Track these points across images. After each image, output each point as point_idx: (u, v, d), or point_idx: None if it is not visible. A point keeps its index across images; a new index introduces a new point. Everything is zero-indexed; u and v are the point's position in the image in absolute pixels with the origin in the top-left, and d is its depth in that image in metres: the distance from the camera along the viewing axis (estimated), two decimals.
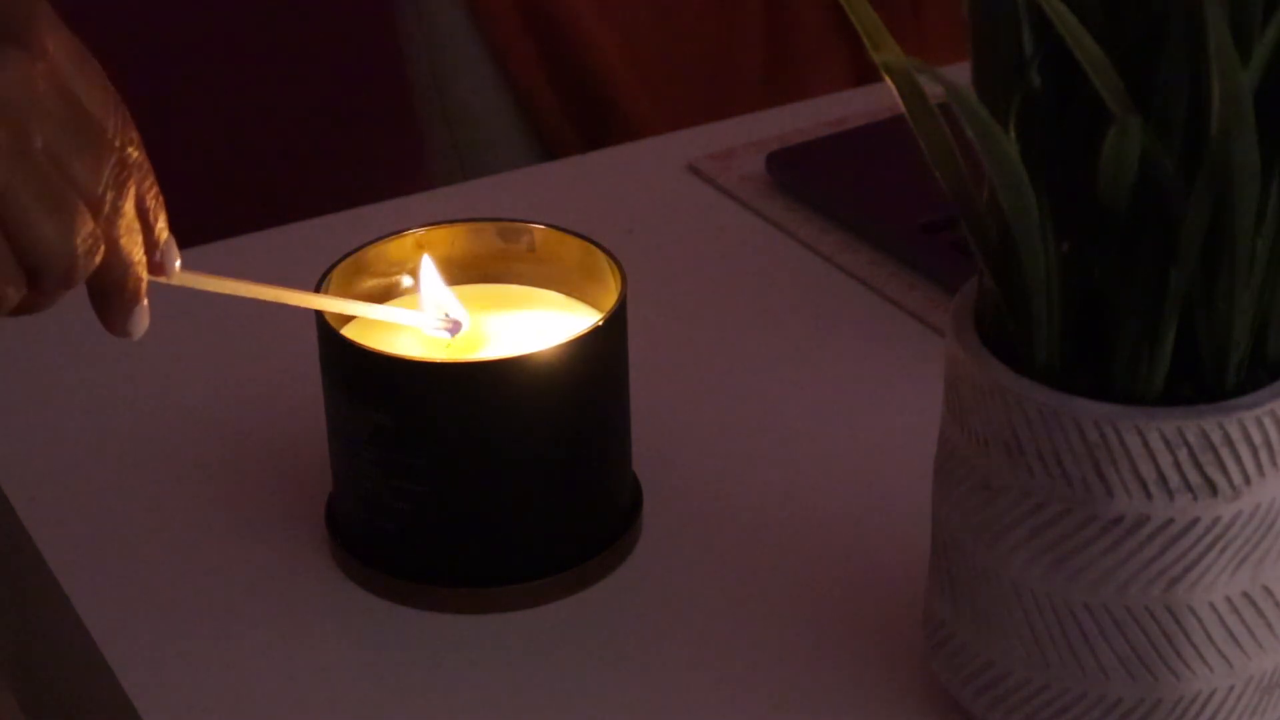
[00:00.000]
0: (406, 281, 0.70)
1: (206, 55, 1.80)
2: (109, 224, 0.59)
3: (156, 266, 0.63)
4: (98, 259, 0.59)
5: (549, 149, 1.24)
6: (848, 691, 0.63)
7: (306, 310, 0.67)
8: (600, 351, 0.66)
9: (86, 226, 0.58)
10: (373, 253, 0.70)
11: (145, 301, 0.62)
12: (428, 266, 0.69)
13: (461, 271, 0.71)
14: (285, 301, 0.66)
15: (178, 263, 0.64)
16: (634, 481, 0.71)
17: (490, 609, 0.67)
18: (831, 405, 0.77)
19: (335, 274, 0.68)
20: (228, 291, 0.66)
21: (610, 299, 0.67)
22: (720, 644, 0.65)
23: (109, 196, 0.59)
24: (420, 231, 0.70)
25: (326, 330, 0.66)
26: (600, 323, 0.65)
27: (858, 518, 0.71)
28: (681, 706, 0.63)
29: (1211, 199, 0.52)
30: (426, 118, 1.28)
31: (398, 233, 0.70)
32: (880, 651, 0.65)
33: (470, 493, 0.66)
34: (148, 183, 0.61)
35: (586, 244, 0.70)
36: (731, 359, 0.80)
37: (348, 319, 0.69)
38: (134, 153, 0.60)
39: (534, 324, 0.70)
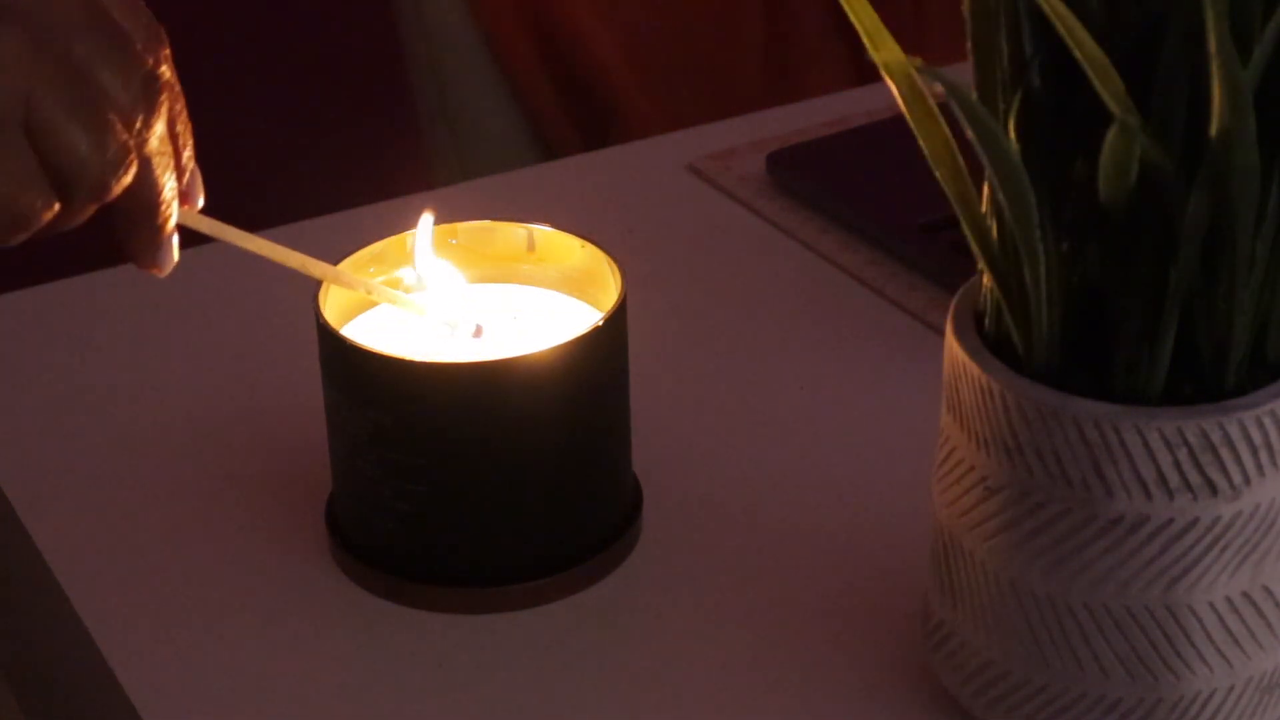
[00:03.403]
0: (407, 280, 0.70)
1: (206, 55, 1.80)
2: (139, 140, 0.58)
3: (182, 196, 0.62)
4: (128, 175, 0.58)
5: (549, 149, 1.24)
6: (847, 691, 0.63)
7: (307, 310, 0.67)
8: (600, 351, 0.66)
9: (117, 138, 0.57)
10: (373, 252, 0.70)
11: (175, 236, 0.61)
12: (439, 267, 0.69)
13: (461, 272, 0.71)
14: (305, 269, 0.66)
15: (201, 198, 0.63)
16: (634, 481, 0.71)
17: (490, 609, 0.67)
18: (831, 405, 0.77)
19: None
20: (246, 245, 0.65)
21: (610, 299, 0.67)
22: (719, 644, 0.65)
23: (140, 110, 0.57)
24: None
25: (326, 330, 0.66)
26: (600, 323, 0.65)
27: (857, 517, 0.71)
28: (681, 706, 0.63)
29: (1211, 199, 0.52)
30: (426, 118, 1.28)
31: (398, 233, 0.70)
32: (880, 651, 0.65)
33: (470, 493, 0.66)
34: (178, 106, 0.60)
35: (586, 244, 0.70)
36: (731, 359, 0.80)
37: (348, 319, 0.69)
38: (166, 71, 0.59)
39: (534, 324, 0.70)
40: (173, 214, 0.61)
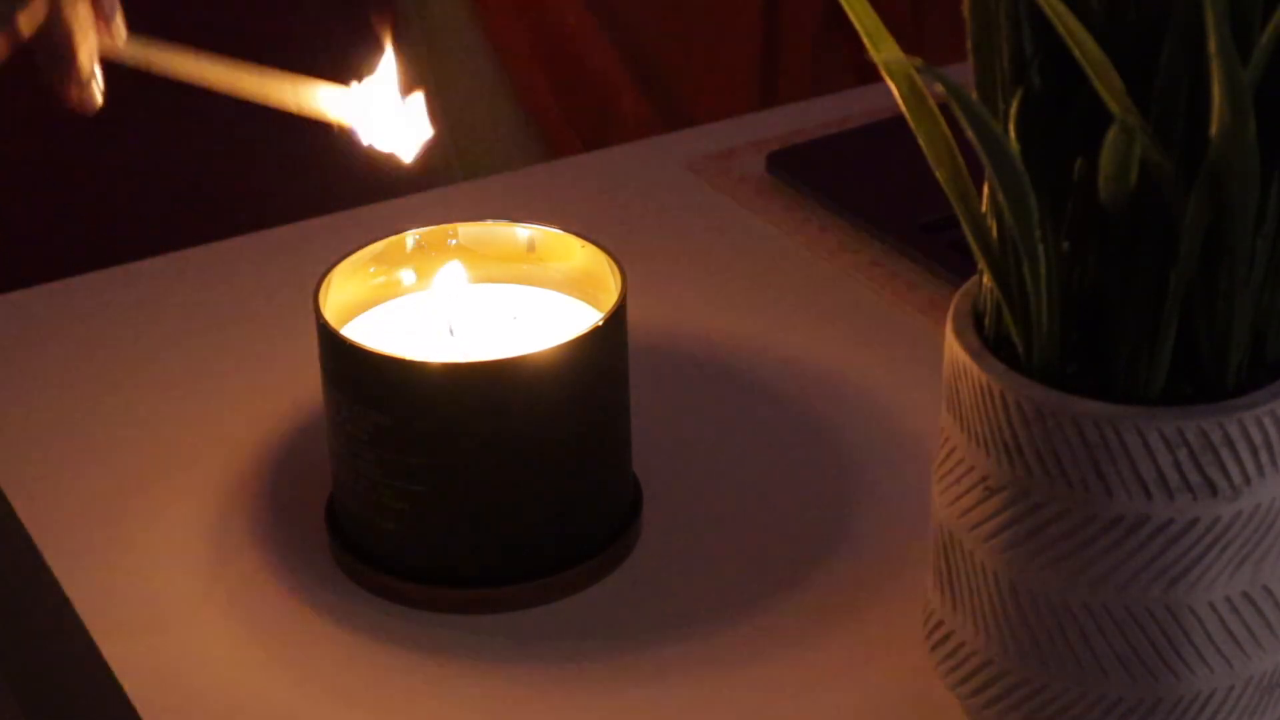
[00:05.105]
0: (407, 281, 0.70)
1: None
2: None
3: (101, 23, 0.61)
4: (38, 8, 0.57)
5: (549, 149, 1.24)
6: (847, 690, 0.63)
7: (307, 310, 0.67)
8: (600, 351, 0.66)
9: None
10: (373, 252, 0.70)
11: (99, 71, 0.61)
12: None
13: (461, 272, 0.71)
14: (236, 86, 0.65)
15: (118, 18, 0.62)
16: (634, 481, 0.71)
17: (490, 609, 0.67)
18: (831, 405, 0.77)
19: (335, 274, 0.68)
20: (176, 70, 0.64)
21: (610, 299, 0.67)
22: (719, 643, 0.65)
23: None
24: (420, 231, 0.70)
25: (327, 330, 0.66)
26: (600, 323, 0.65)
27: (857, 517, 0.71)
28: (681, 706, 0.63)
29: (1211, 199, 0.52)
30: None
31: (397, 233, 0.70)
32: (880, 650, 0.65)
33: (470, 493, 0.66)
34: None
35: (586, 244, 0.70)
36: (731, 359, 0.80)
37: (348, 319, 0.69)
38: None
39: (534, 324, 0.70)
40: (93, 44, 0.60)
